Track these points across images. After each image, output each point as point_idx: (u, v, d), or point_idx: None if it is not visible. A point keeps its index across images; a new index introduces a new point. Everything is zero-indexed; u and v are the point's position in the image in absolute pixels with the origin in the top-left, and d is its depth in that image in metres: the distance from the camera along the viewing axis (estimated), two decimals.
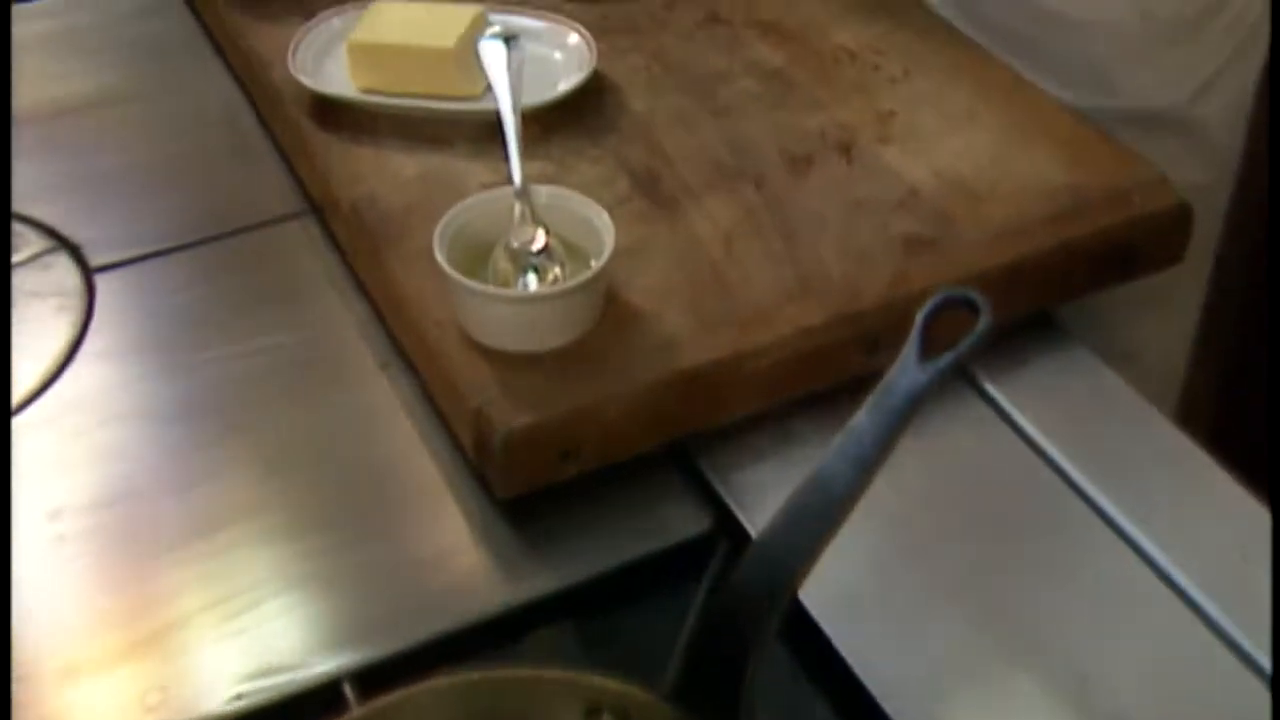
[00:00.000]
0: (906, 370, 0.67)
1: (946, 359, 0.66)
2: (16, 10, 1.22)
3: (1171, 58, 1.11)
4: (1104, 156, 0.96)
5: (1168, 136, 1.12)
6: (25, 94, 1.11)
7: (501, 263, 0.85)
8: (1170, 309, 1.14)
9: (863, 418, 0.67)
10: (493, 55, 0.89)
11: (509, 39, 0.90)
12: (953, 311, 0.68)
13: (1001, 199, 0.93)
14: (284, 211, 1.02)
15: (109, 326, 0.94)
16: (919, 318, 0.68)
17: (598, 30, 1.08)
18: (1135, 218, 0.92)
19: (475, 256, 0.85)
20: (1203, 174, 1.14)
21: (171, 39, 1.19)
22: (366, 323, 0.93)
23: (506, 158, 0.88)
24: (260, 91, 1.06)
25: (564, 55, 1.03)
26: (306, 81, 0.99)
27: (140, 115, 1.11)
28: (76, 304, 0.95)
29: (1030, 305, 0.91)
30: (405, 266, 0.88)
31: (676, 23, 1.10)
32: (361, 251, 0.93)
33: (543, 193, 0.87)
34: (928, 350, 0.68)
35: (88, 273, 0.97)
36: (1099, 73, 1.11)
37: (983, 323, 0.66)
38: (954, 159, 0.96)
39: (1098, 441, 0.85)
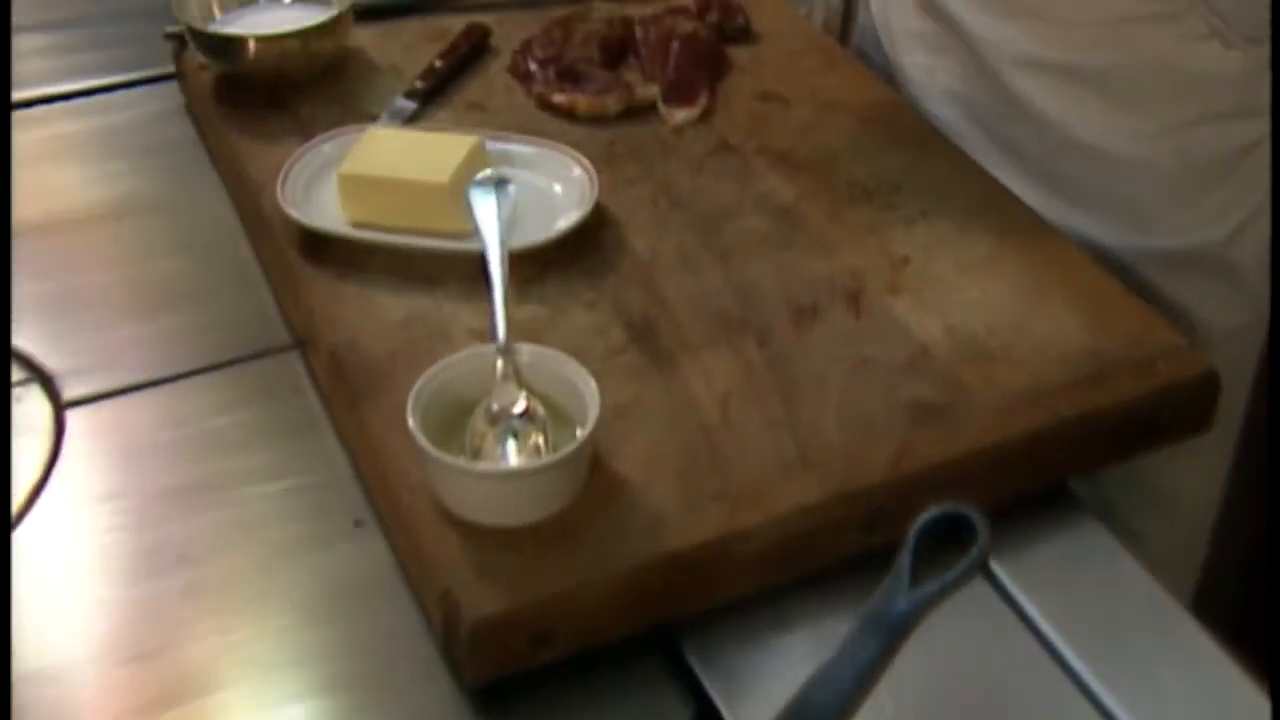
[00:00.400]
0: (896, 595, 0.62)
1: (934, 588, 0.61)
2: (19, 116, 1.18)
3: (1208, 197, 1.05)
4: (1128, 317, 0.90)
5: (1203, 277, 1.06)
6: (20, 206, 1.07)
7: (480, 425, 0.80)
8: (1194, 467, 1.08)
9: (852, 640, 0.62)
10: (482, 203, 0.84)
11: (500, 183, 0.85)
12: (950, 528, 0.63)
13: (1017, 362, 0.87)
14: (268, 345, 0.97)
15: (75, 470, 0.89)
16: (910, 537, 0.62)
17: (604, 157, 1.04)
18: (1160, 388, 0.86)
19: (454, 416, 0.81)
20: (1239, 316, 1.08)
21: (175, 150, 1.15)
22: (344, 473, 0.88)
23: (491, 308, 0.83)
24: (250, 217, 1.02)
25: (565, 188, 0.99)
26: (294, 214, 0.95)
27: (133, 233, 1.07)
28: (43, 443, 0.90)
29: (1044, 479, 0.85)
30: (382, 422, 0.83)
31: (686, 150, 1.05)
32: (339, 401, 0.88)
33: (525, 351, 0.82)
34: (923, 551, 0.63)
35: (59, 408, 0.93)
36: (1134, 211, 1.06)
37: (976, 551, 0.61)
38: (968, 314, 0.90)
39: (1111, 637, 0.79)
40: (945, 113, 1.12)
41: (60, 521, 0.86)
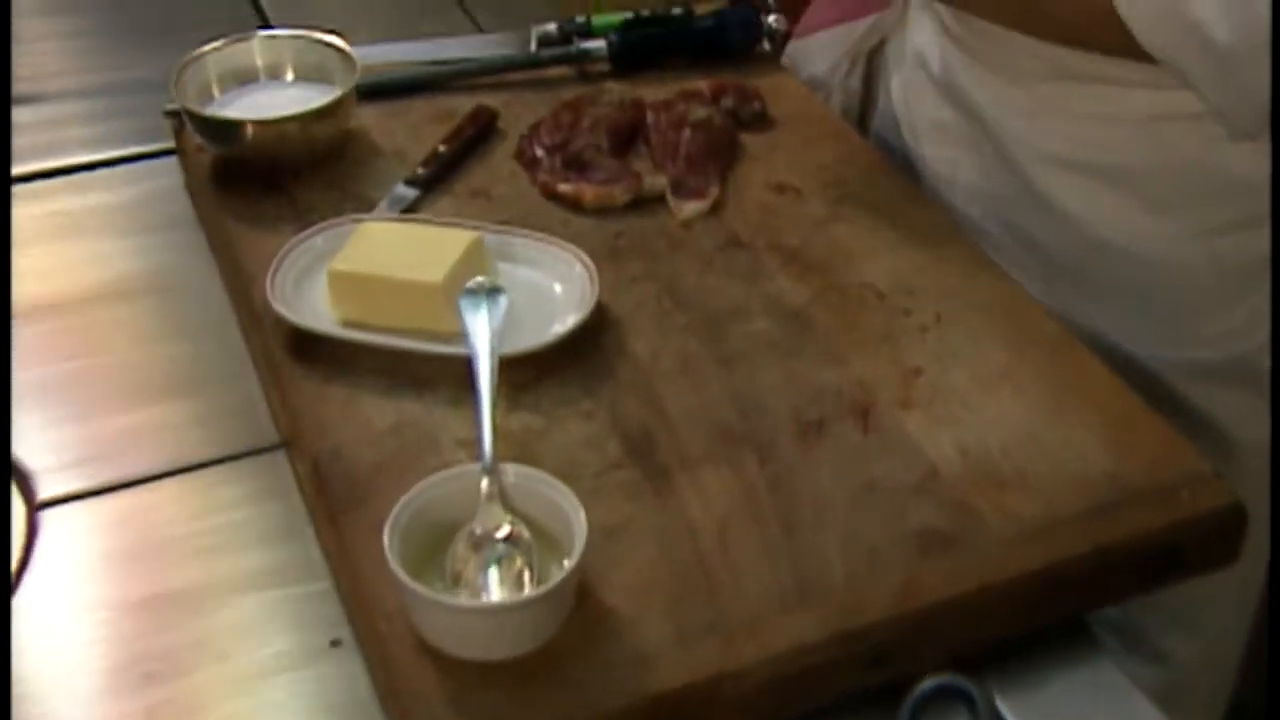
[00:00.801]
0: None
1: None
2: (17, 190, 1.15)
3: (1239, 305, 1.00)
4: (1151, 439, 0.85)
5: (1232, 389, 1.01)
6: (15, 288, 1.04)
7: (462, 550, 0.76)
8: (1224, 592, 1.02)
9: None
10: (472, 314, 0.80)
11: (492, 292, 0.81)
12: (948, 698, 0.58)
13: (1032, 488, 0.82)
14: (257, 443, 0.93)
15: (46, 577, 0.85)
16: (906, 708, 0.58)
17: (608, 251, 1.00)
18: (1182, 520, 0.81)
19: (436, 538, 0.76)
20: (1268, 430, 1.02)
21: (176, 228, 1.11)
22: (326, 584, 0.84)
23: (478, 427, 0.79)
24: (243, 307, 0.98)
25: (565, 288, 0.95)
26: (282, 310, 0.91)
27: (126, 316, 1.03)
28: (14, 547, 0.87)
29: (1058, 614, 0.81)
30: (361, 541, 0.79)
31: (694, 245, 1.01)
32: (319, 513, 0.84)
33: (511, 472, 0.78)
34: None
35: (32, 509, 0.89)
36: (1161, 317, 1.01)
37: None
38: (983, 432, 0.86)
39: None
40: (966, 207, 1.08)
41: (25, 635, 0.82)
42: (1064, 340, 0.93)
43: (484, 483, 0.77)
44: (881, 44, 1.18)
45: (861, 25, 1.18)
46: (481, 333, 0.80)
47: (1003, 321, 0.94)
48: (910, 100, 1.13)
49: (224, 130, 1.05)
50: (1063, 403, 0.88)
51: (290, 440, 0.90)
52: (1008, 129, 1.04)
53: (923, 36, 1.11)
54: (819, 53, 1.21)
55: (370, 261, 0.92)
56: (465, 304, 0.81)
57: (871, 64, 1.21)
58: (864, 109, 1.21)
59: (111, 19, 1.43)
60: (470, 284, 0.82)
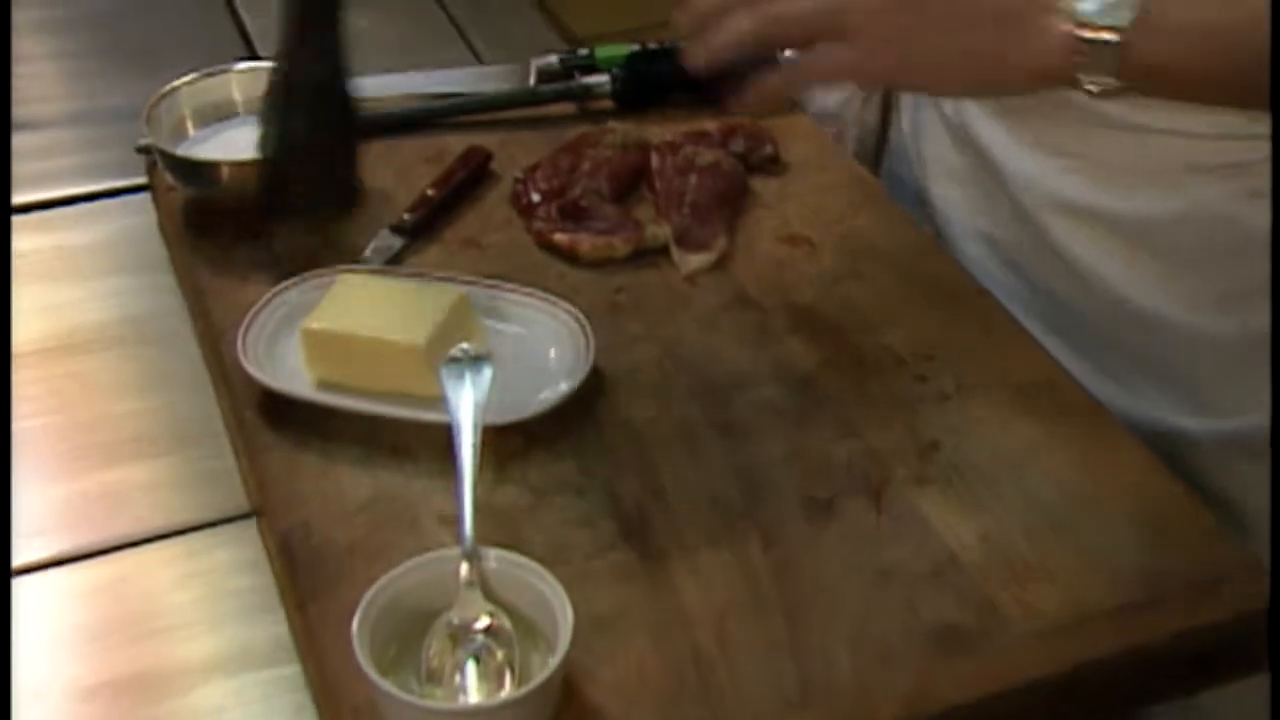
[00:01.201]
0: None
1: None
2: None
3: (1268, 372, 0.96)
4: (1190, 530, 0.81)
5: (1259, 464, 0.97)
6: None
7: (439, 642, 0.73)
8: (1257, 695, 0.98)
9: None
10: (454, 385, 0.77)
11: (475, 361, 0.78)
12: None
13: (1059, 581, 0.78)
14: (226, 510, 0.89)
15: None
16: None
17: (607, 308, 0.97)
18: (1223, 621, 0.77)
19: (411, 628, 0.73)
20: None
21: (149, 271, 1.07)
22: (296, 669, 0.81)
23: (459, 507, 0.76)
24: (213, 363, 0.95)
25: (558, 350, 0.91)
26: (253, 370, 0.88)
27: (92, 368, 0.99)
28: None
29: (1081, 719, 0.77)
30: (331, 629, 0.75)
31: (699, 302, 0.98)
32: (288, 596, 0.81)
33: (493, 557, 0.74)
34: None
35: None
36: (1186, 384, 0.97)
37: None
38: (1005, 515, 0.82)
39: None
40: (979, 254, 1.05)
41: None
42: (1095, 413, 0.89)
43: (463, 569, 0.74)
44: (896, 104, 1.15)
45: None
46: (464, 406, 0.77)
47: (1029, 391, 0.91)
48: (920, 140, 1.10)
49: (196, 171, 1.02)
50: (1094, 484, 0.84)
51: (259, 511, 0.86)
52: (1020, 173, 1.00)
53: None
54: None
55: (348, 319, 0.88)
56: (447, 374, 0.78)
57: (886, 97, 1.17)
58: (878, 146, 1.17)
59: (93, 41, 1.41)
60: (453, 352, 0.78)
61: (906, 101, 1.12)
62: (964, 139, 1.05)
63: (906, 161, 1.14)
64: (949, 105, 1.05)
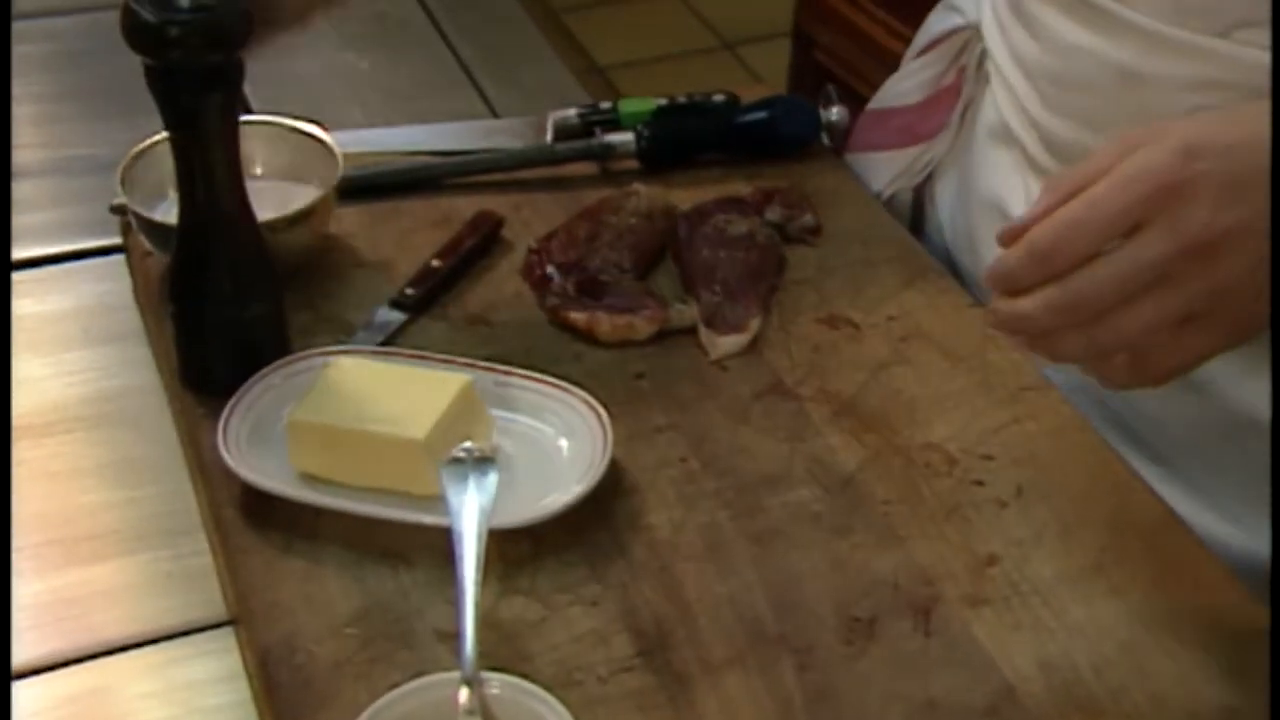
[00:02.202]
0: None
1: None
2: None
3: None
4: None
5: None
6: None
7: None
8: None
9: None
10: (456, 488, 0.77)
11: (480, 462, 0.78)
12: None
13: (1130, 718, 0.77)
14: (204, 617, 0.89)
15: None
16: None
17: (627, 395, 0.96)
18: None
19: None
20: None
21: (126, 344, 1.07)
22: None
23: (460, 624, 0.75)
24: (190, 453, 0.95)
25: (572, 444, 0.91)
26: (233, 462, 0.88)
27: (61, 454, 0.99)
28: None
29: None
30: None
31: (729, 390, 0.98)
32: (266, 718, 0.80)
33: (496, 683, 0.74)
34: None
35: None
36: None
37: None
38: (1070, 642, 0.81)
39: None
40: (1066, 378, 1.02)
41: None
42: (1170, 527, 0.89)
43: (463, 695, 0.73)
44: (930, 178, 1.16)
45: (903, 156, 1.15)
46: (467, 511, 0.77)
47: (1097, 499, 0.90)
48: (980, 246, 1.09)
49: (174, 236, 1.01)
50: (1170, 604, 0.83)
51: (238, 620, 0.86)
52: None
53: (998, 177, 1.06)
54: (864, 175, 1.18)
55: (339, 410, 0.88)
56: (448, 476, 0.77)
57: (919, 195, 1.17)
58: (915, 217, 1.17)
59: (65, 82, 1.42)
60: (456, 452, 0.78)
61: (960, 203, 1.13)
62: None
63: (947, 250, 1.14)
64: (1024, 209, 1.04)
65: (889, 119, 1.19)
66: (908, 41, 1.22)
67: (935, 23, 1.19)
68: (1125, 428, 0.98)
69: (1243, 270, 0.75)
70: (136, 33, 0.86)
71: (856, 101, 1.23)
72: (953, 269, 1.12)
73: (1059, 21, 0.98)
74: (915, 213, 1.19)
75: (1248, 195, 0.75)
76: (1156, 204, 0.74)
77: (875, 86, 1.22)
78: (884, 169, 1.16)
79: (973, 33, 1.12)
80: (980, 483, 0.91)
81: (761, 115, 1.19)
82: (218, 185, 0.92)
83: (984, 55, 1.10)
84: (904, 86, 1.18)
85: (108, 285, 1.14)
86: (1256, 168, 0.75)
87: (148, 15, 0.85)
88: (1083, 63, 0.97)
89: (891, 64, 1.23)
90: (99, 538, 0.94)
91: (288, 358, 0.95)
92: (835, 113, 1.20)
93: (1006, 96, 1.07)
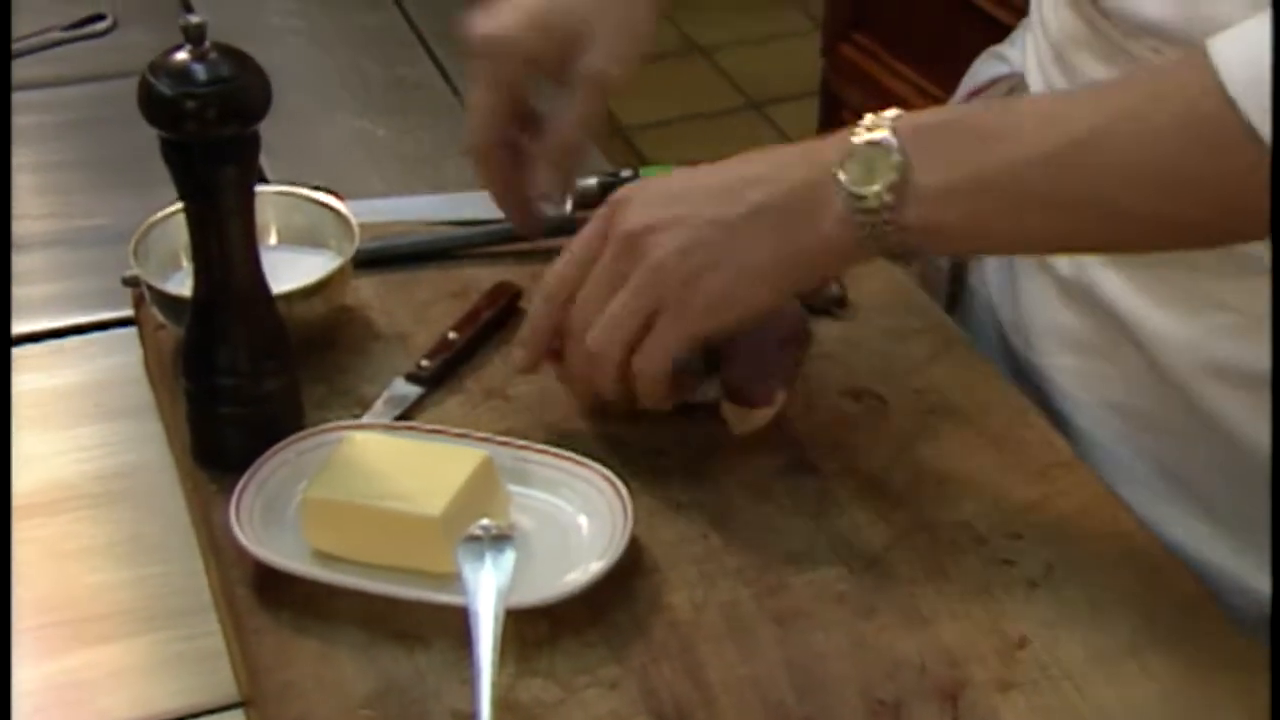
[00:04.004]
0: None
1: None
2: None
3: None
4: None
5: None
6: None
7: None
8: None
9: None
10: (473, 567, 0.79)
11: (498, 539, 0.81)
12: None
13: None
14: (213, 701, 0.91)
15: None
16: None
17: (648, 470, 0.99)
18: None
19: None
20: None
21: (137, 419, 1.10)
22: None
23: (476, 706, 0.77)
24: (201, 531, 0.98)
25: (591, 522, 0.94)
26: (245, 541, 0.90)
27: (73, 532, 1.01)
28: None
29: None
30: None
31: (752, 466, 1.00)
32: None
33: None
34: None
35: None
36: None
37: None
38: None
39: None
40: (1103, 428, 1.06)
41: None
42: (1205, 606, 0.91)
43: None
44: None
45: None
46: (484, 591, 0.79)
47: (1131, 580, 0.92)
48: (1021, 301, 1.11)
49: (187, 309, 1.05)
50: (1205, 691, 0.85)
51: (249, 702, 0.88)
52: (1159, 333, 1.01)
53: None
54: None
55: (354, 486, 0.91)
56: (465, 554, 0.80)
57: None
58: (952, 294, 1.20)
59: (76, 151, 1.46)
60: (473, 530, 0.81)
61: (992, 261, 1.15)
62: (1085, 300, 1.06)
63: (991, 322, 1.16)
64: (1065, 264, 1.07)
65: None
66: (938, 101, 1.25)
67: (981, 70, 1.22)
68: (1194, 504, 1.00)
69: (671, 251, 0.92)
70: (153, 106, 0.89)
71: None
72: (996, 324, 1.15)
73: (1099, 71, 1.01)
74: (955, 270, 1.22)
75: (674, 204, 0.94)
76: (605, 222, 0.96)
77: None
78: None
79: (1018, 80, 1.15)
80: (1009, 562, 0.93)
81: None
82: (233, 258, 0.95)
83: None
84: None
85: (118, 359, 1.17)
86: (683, 189, 0.96)
87: (164, 88, 0.88)
88: None
89: None
90: (107, 618, 0.97)
91: (302, 433, 0.97)
92: None
93: None
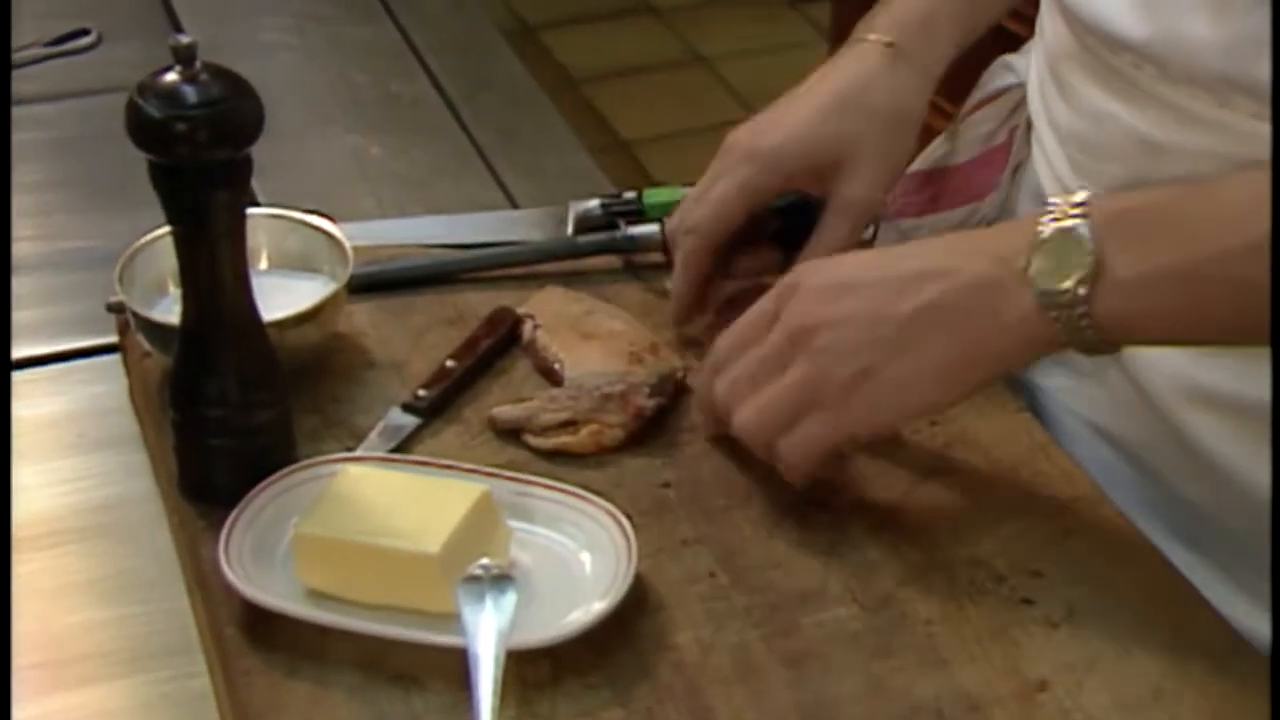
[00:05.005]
0: None
1: None
2: None
3: None
4: None
5: None
6: None
7: None
8: None
9: None
10: (473, 608, 0.79)
11: (498, 579, 0.80)
12: None
13: None
14: None
15: None
16: None
17: (653, 505, 0.99)
18: None
19: None
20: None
21: (121, 450, 1.10)
22: None
23: None
24: (191, 569, 0.97)
25: (594, 559, 0.93)
26: (235, 579, 0.90)
27: (54, 568, 1.01)
28: None
29: None
30: None
31: (761, 499, 1.00)
32: None
33: None
34: None
35: None
36: None
37: None
38: None
39: None
40: (1094, 453, 1.07)
41: None
42: (1236, 650, 0.90)
43: None
44: None
45: (950, 219, 1.18)
46: (484, 632, 0.79)
47: (1155, 620, 0.92)
48: None
49: (175, 337, 1.04)
50: None
51: None
52: (1147, 359, 1.02)
53: None
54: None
55: (348, 522, 0.91)
56: (464, 595, 0.80)
57: None
58: None
59: (60, 171, 1.46)
60: (472, 569, 0.80)
61: None
62: None
63: None
64: None
65: (935, 180, 1.23)
66: (945, 112, 1.26)
67: (991, 79, 1.24)
68: (1185, 536, 1.00)
69: (841, 351, 0.93)
70: (141, 129, 0.89)
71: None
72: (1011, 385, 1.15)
73: (1088, 87, 1.03)
74: None
75: (845, 296, 0.94)
76: (775, 304, 0.97)
77: None
78: (928, 235, 1.19)
79: (1024, 92, 1.17)
80: (1029, 601, 0.93)
81: (793, 204, 1.21)
82: (223, 284, 0.95)
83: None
84: (955, 143, 1.23)
85: (102, 387, 1.17)
86: (855, 279, 0.95)
87: (153, 110, 0.88)
88: (1109, 130, 1.02)
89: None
90: (91, 659, 0.96)
91: (294, 466, 0.97)
92: None
93: (1043, 161, 1.12)
